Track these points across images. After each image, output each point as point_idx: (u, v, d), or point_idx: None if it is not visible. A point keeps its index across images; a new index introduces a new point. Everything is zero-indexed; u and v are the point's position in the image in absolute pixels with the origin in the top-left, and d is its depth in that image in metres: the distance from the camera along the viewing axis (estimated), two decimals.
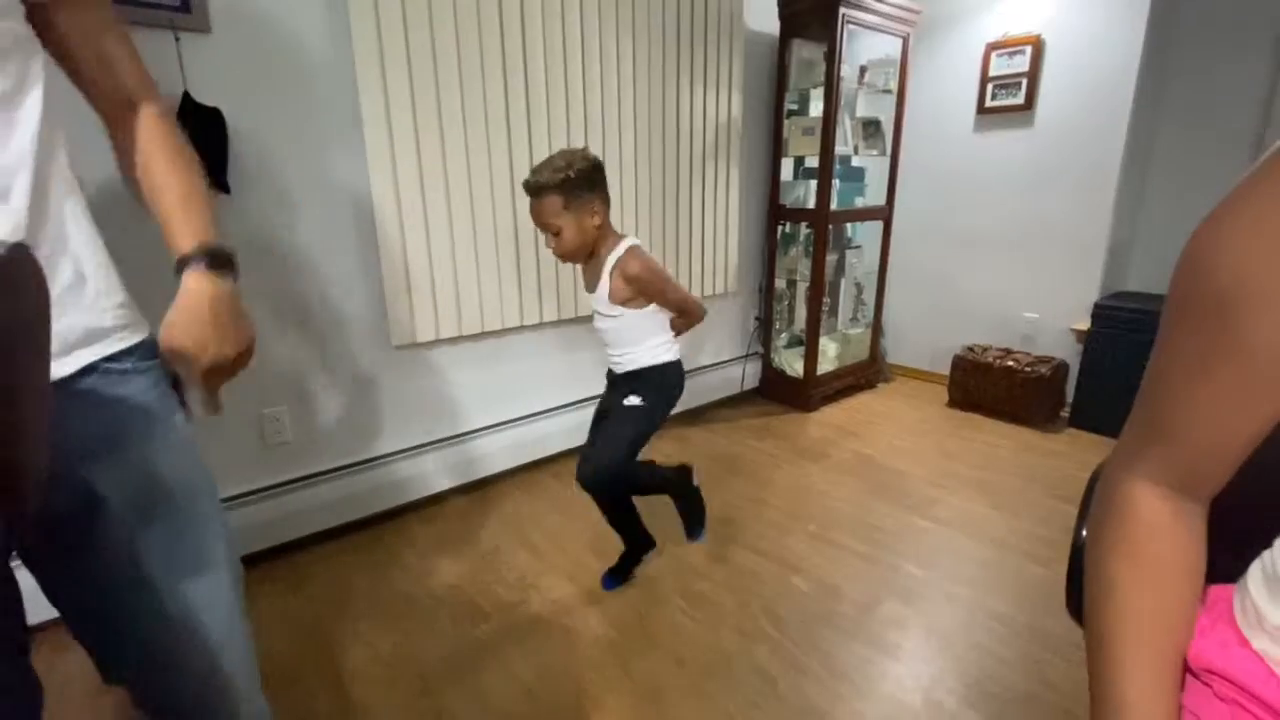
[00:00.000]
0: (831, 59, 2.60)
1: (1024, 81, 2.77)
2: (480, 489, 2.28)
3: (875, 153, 3.03)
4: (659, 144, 2.50)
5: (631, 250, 1.38)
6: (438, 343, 2.10)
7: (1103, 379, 2.67)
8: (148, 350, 0.68)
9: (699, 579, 1.73)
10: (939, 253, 3.27)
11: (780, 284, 3.17)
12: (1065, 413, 2.85)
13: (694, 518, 1.70)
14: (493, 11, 1.93)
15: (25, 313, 0.42)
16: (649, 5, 2.32)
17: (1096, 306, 2.66)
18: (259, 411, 1.79)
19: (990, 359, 2.89)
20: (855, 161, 3.07)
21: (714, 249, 2.86)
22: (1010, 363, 2.82)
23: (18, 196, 0.56)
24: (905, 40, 2.88)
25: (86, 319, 0.62)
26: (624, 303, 1.39)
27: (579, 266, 1.52)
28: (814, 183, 2.85)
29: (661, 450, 2.56)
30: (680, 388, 1.54)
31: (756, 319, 3.23)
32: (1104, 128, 2.60)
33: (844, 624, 1.55)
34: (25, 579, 0.62)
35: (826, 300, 3.06)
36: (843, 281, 3.31)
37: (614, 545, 1.74)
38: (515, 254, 2.17)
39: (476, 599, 1.67)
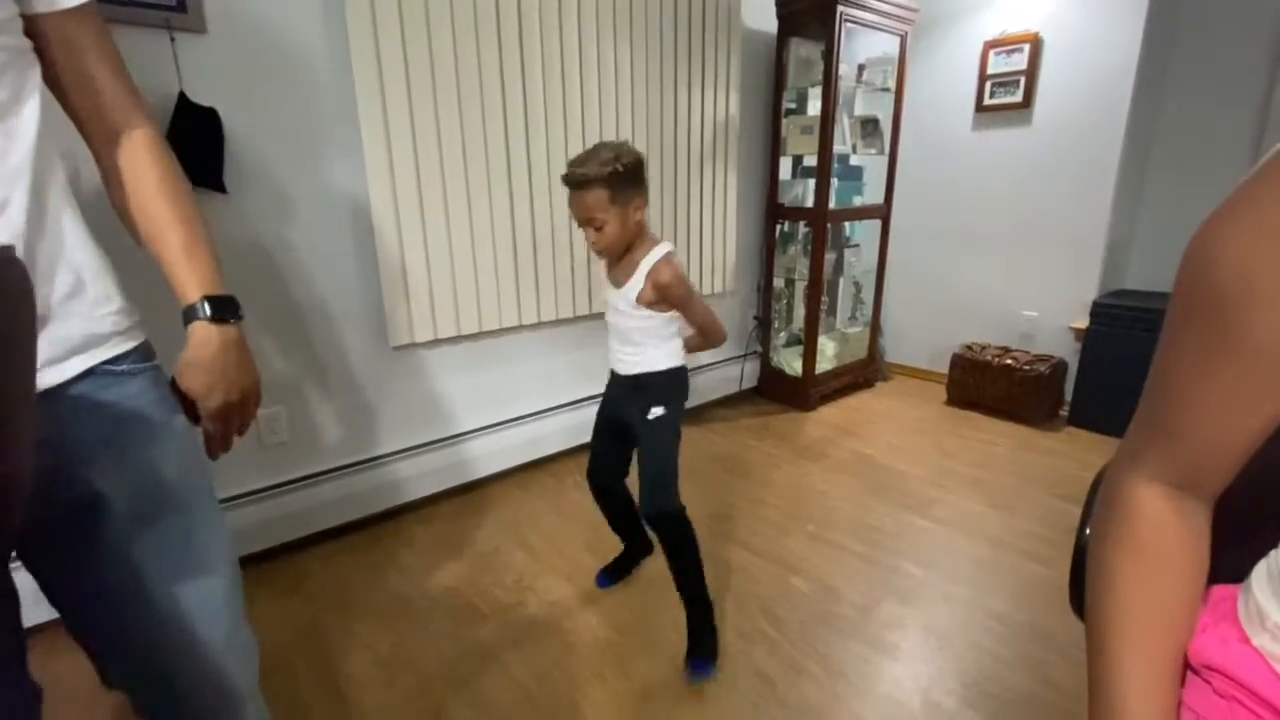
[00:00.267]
0: (829, 57, 2.59)
1: (1022, 79, 2.77)
2: (478, 489, 2.27)
3: (873, 151, 3.02)
4: (657, 143, 2.50)
5: (667, 257, 1.34)
6: (435, 343, 2.09)
7: (1101, 377, 2.67)
8: (145, 353, 0.69)
9: None
10: (937, 251, 3.27)
11: (779, 283, 3.16)
12: (1064, 411, 2.85)
13: (704, 644, 1.44)
14: (489, 8, 1.92)
15: (11, 318, 0.42)
16: (646, 4, 2.32)
17: (1095, 305, 2.66)
18: (257, 412, 1.78)
19: (989, 357, 2.89)
20: (853, 160, 3.07)
21: (712, 248, 2.86)
22: (1009, 361, 2.82)
23: (16, 208, 0.57)
24: (903, 38, 2.87)
25: (85, 326, 0.62)
26: (649, 305, 1.36)
27: (602, 262, 1.46)
28: (812, 181, 2.85)
29: None
30: (687, 393, 1.50)
31: (755, 318, 3.22)
32: (1102, 125, 2.59)
33: (843, 624, 1.55)
34: (26, 581, 0.62)
35: (825, 299, 3.05)
36: (841, 280, 3.31)
37: (612, 546, 1.73)
38: (513, 253, 2.16)
39: (474, 600, 1.66)
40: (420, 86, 1.83)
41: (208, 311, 0.69)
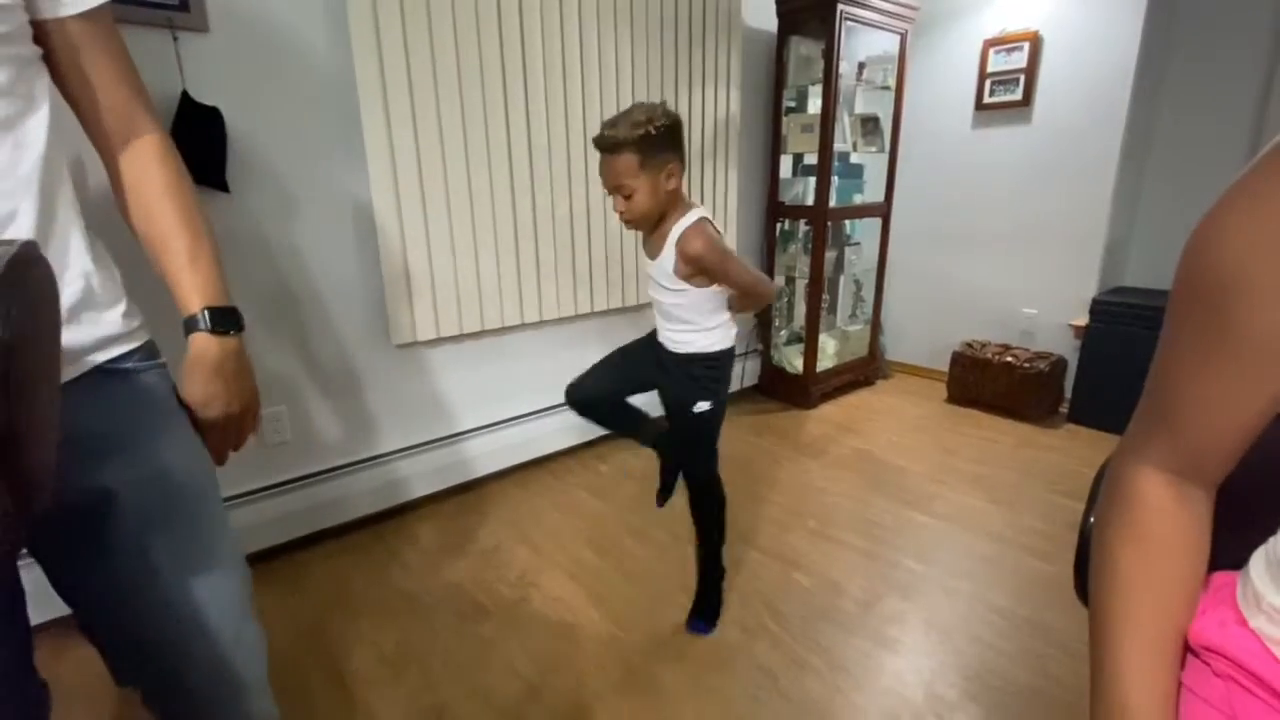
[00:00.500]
0: (830, 56, 2.60)
1: (1022, 78, 2.77)
2: (479, 487, 2.28)
3: (874, 149, 3.03)
4: None
5: (697, 225, 1.22)
6: (438, 341, 2.10)
7: (1101, 374, 2.67)
8: (150, 351, 0.69)
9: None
10: (937, 249, 3.28)
11: (779, 281, 3.17)
12: (1064, 408, 2.86)
13: (705, 607, 1.54)
14: (490, 7, 1.92)
15: (38, 308, 0.42)
16: (647, 2, 2.32)
17: (1094, 302, 2.67)
18: (260, 411, 1.79)
19: (989, 355, 2.90)
20: (854, 158, 3.08)
21: None
22: (1009, 358, 2.83)
23: (25, 218, 0.57)
24: (903, 37, 2.88)
25: (94, 330, 0.62)
26: (687, 279, 1.25)
27: (638, 235, 1.37)
28: (813, 180, 2.85)
29: None
30: (730, 374, 1.43)
31: (755, 316, 3.23)
32: (1102, 123, 2.60)
33: (844, 619, 1.56)
34: (37, 577, 0.62)
35: (825, 297, 3.06)
36: (841, 278, 3.32)
37: (615, 542, 1.74)
38: (515, 251, 2.17)
39: (478, 597, 1.67)
40: (422, 85, 1.83)
41: (208, 323, 0.69)
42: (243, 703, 0.75)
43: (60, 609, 0.67)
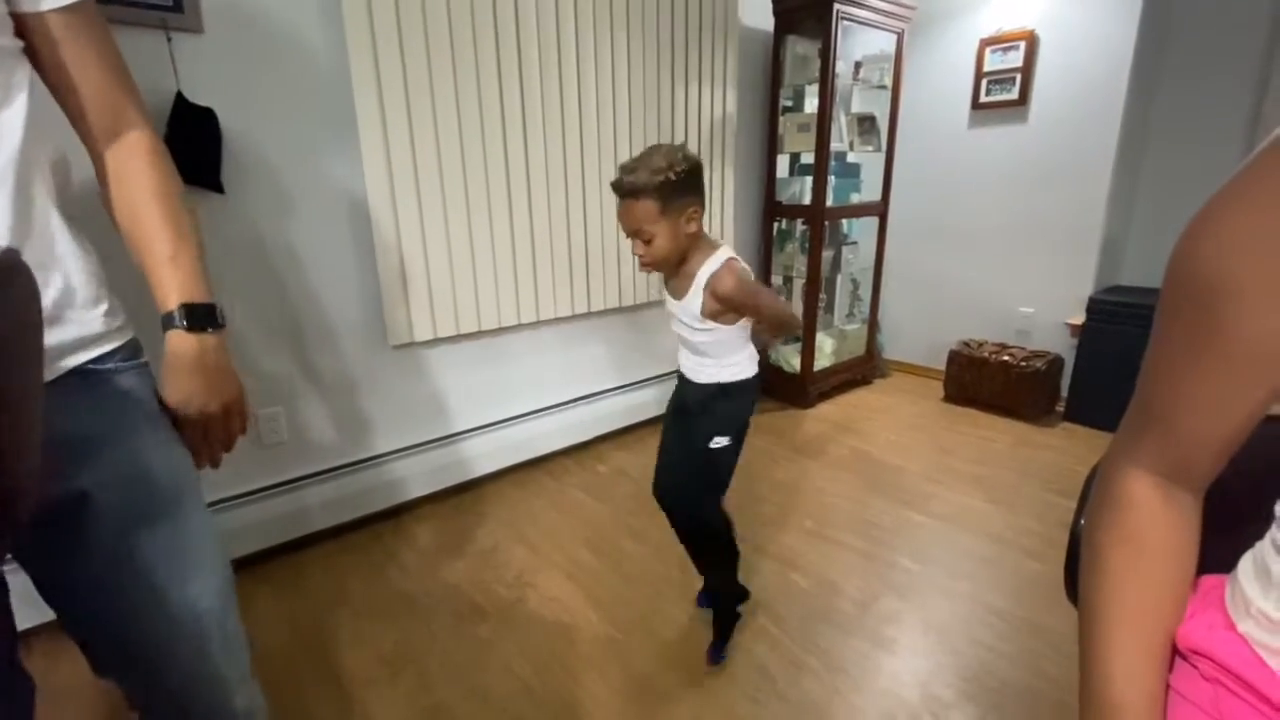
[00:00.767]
0: (826, 55, 2.60)
1: (1018, 77, 2.77)
2: (477, 487, 2.28)
3: (870, 149, 3.03)
4: (654, 140, 2.50)
5: (728, 265, 1.22)
6: (434, 342, 2.09)
7: (1097, 373, 2.68)
8: (132, 350, 0.69)
9: (697, 576, 1.73)
10: (934, 248, 3.28)
11: (776, 280, 3.17)
12: (1060, 407, 2.87)
13: (723, 632, 1.49)
14: (486, 5, 1.92)
15: (19, 317, 0.42)
16: (643, 2, 2.32)
17: (1091, 301, 2.67)
18: (255, 412, 1.79)
19: (986, 354, 2.90)
20: (851, 158, 3.07)
21: None
22: (1005, 357, 2.84)
23: (1, 209, 0.56)
24: (900, 36, 2.88)
25: (75, 330, 0.62)
26: (714, 317, 1.25)
27: (651, 273, 1.37)
28: (809, 179, 2.85)
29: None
30: (756, 404, 1.40)
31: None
32: (1097, 122, 2.60)
33: (842, 620, 1.56)
34: (20, 579, 0.62)
35: (823, 297, 3.06)
36: (839, 278, 3.31)
37: (612, 543, 1.74)
38: (511, 251, 2.16)
39: (475, 597, 1.67)
40: (417, 84, 1.83)
41: (184, 320, 0.68)
42: (226, 698, 0.75)
43: (52, 613, 0.67)
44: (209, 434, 0.73)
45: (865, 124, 3.01)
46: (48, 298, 0.59)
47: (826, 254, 3.00)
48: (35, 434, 0.45)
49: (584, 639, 1.51)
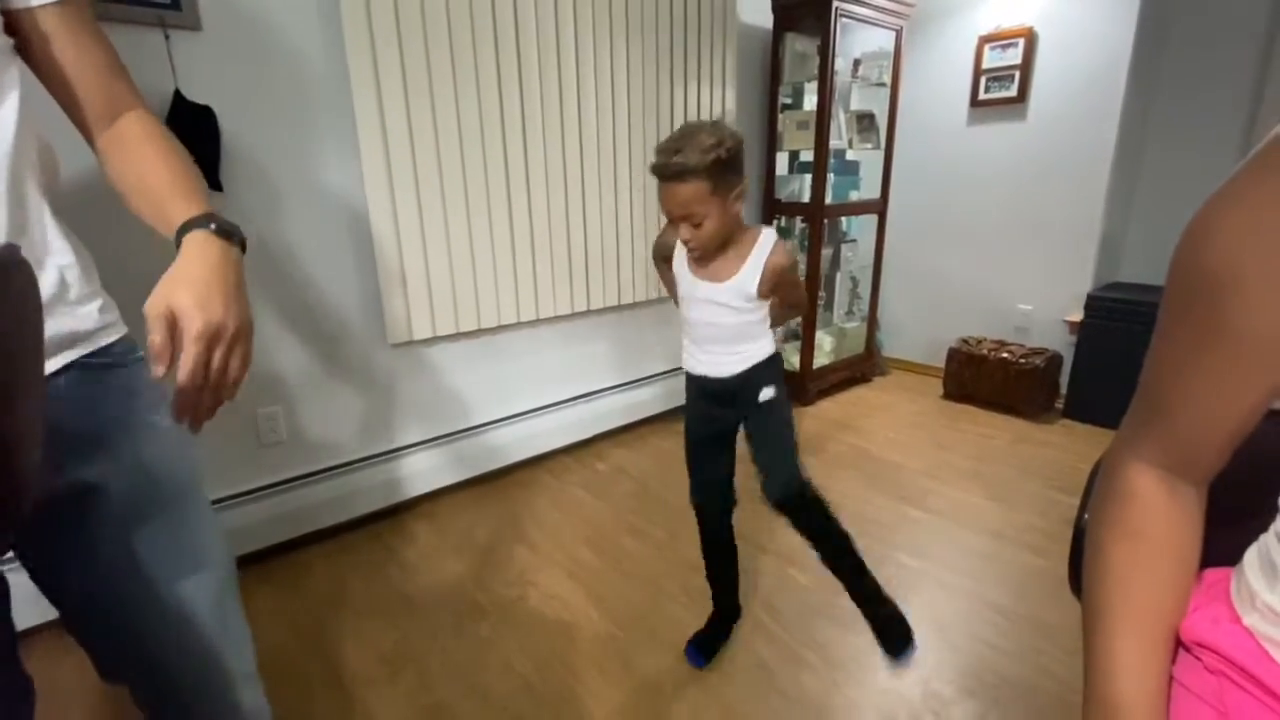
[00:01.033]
0: (825, 52, 2.60)
1: (1017, 74, 2.77)
2: (476, 486, 2.28)
3: (869, 146, 3.03)
4: (653, 139, 2.50)
5: (780, 241, 1.19)
6: (434, 340, 2.09)
7: (1096, 370, 2.68)
8: (129, 345, 0.69)
9: (697, 573, 1.73)
10: (933, 246, 3.28)
11: None
12: (1059, 404, 2.87)
13: (885, 626, 1.32)
14: (485, 5, 1.92)
15: (18, 312, 0.42)
16: (642, 0, 2.32)
17: (1089, 298, 2.67)
18: (254, 411, 1.79)
19: (985, 351, 2.91)
20: (850, 155, 3.07)
21: None
22: (1004, 355, 2.84)
23: None
24: (899, 33, 2.88)
25: (69, 325, 0.62)
26: (764, 296, 1.21)
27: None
28: (809, 177, 2.85)
29: (658, 446, 2.57)
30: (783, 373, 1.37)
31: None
32: (1096, 119, 2.61)
33: (841, 615, 1.56)
34: (21, 579, 0.62)
35: (822, 294, 3.07)
36: (838, 275, 3.32)
37: (613, 541, 1.74)
38: (511, 250, 2.16)
39: (476, 596, 1.67)
40: (416, 82, 1.83)
41: (212, 224, 0.62)
42: (231, 695, 0.75)
43: (53, 612, 0.66)
44: (210, 355, 0.56)
45: (864, 121, 3.01)
46: (43, 293, 0.59)
47: (825, 252, 3.00)
48: (37, 429, 0.45)
49: (584, 637, 1.51)
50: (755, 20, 2.83)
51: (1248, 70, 2.41)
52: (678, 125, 2.68)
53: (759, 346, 1.26)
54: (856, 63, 3.01)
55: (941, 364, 3.11)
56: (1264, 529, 0.43)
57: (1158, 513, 0.45)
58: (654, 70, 2.43)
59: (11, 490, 0.41)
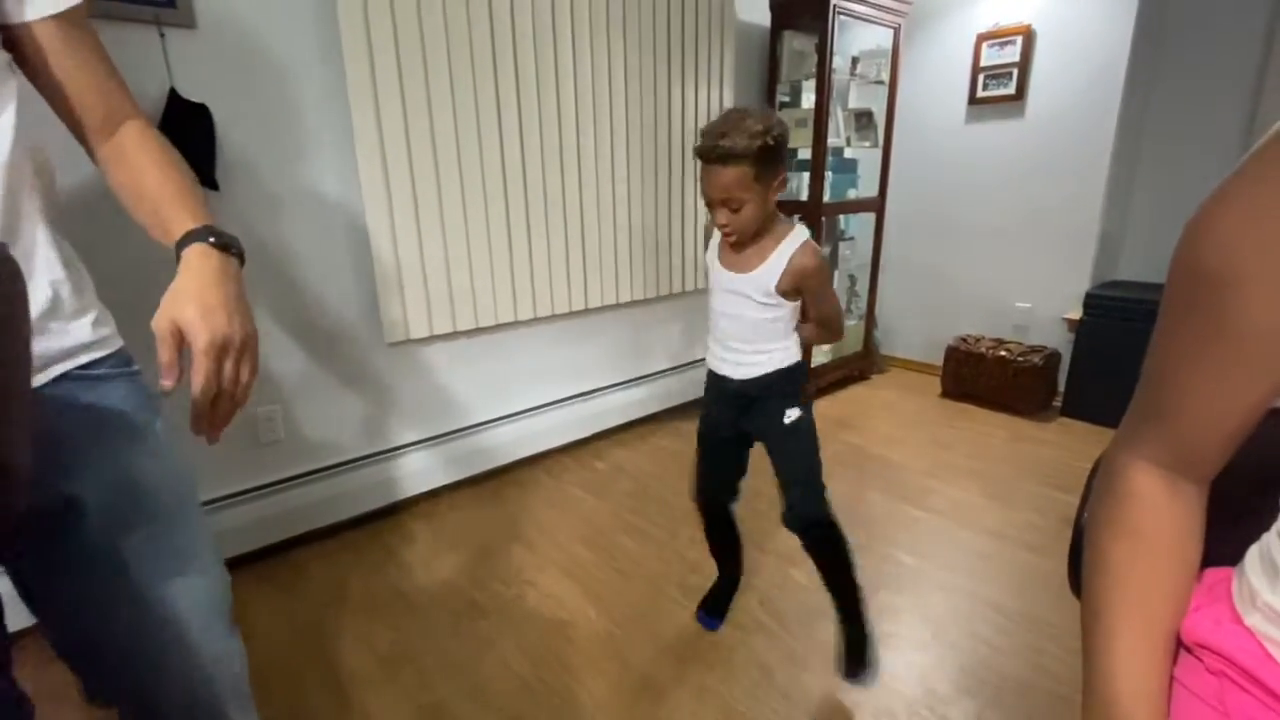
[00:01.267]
0: (823, 50, 2.59)
1: (1015, 72, 2.77)
2: (474, 485, 2.27)
3: (867, 144, 3.02)
4: (650, 136, 2.49)
5: (810, 243, 1.18)
6: (431, 339, 2.09)
7: (1094, 368, 2.69)
8: (122, 358, 0.68)
9: (696, 573, 1.74)
10: (931, 244, 3.28)
11: None
12: (1057, 402, 2.87)
13: (858, 649, 1.31)
14: (482, 1, 1.91)
15: (8, 311, 0.42)
16: None
17: (1088, 296, 2.67)
18: (252, 410, 1.78)
19: (983, 349, 2.91)
20: (848, 153, 3.07)
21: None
22: (1003, 353, 2.84)
23: None
24: (897, 31, 2.87)
25: (62, 340, 0.61)
26: (784, 294, 1.19)
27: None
28: (807, 175, 2.85)
29: (657, 445, 2.57)
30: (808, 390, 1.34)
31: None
32: (1094, 117, 2.61)
33: None
34: (4, 585, 0.61)
35: None
36: (836, 274, 3.31)
37: (611, 539, 1.74)
38: (508, 248, 2.16)
39: (473, 595, 1.67)
40: (413, 80, 1.82)
41: (211, 238, 0.63)
42: (220, 714, 0.73)
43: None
44: (219, 367, 0.58)
45: (862, 119, 3.01)
46: (35, 307, 0.58)
47: (823, 250, 2.99)
48: (24, 434, 0.44)
49: (582, 636, 1.51)
50: (753, 18, 2.83)
51: (1247, 67, 2.41)
52: (675, 123, 2.70)
53: (780, 351, 1.24)
54: (854, 60, 3.00)
55: (940, 362, 3.11)
56: (1265, 528, 0.43)
57: (1158, 511, 0.44)
58: (652, 67, 2.43)
59: (2, 495, 0.41)
